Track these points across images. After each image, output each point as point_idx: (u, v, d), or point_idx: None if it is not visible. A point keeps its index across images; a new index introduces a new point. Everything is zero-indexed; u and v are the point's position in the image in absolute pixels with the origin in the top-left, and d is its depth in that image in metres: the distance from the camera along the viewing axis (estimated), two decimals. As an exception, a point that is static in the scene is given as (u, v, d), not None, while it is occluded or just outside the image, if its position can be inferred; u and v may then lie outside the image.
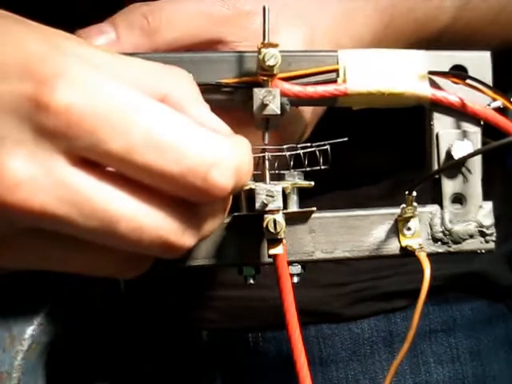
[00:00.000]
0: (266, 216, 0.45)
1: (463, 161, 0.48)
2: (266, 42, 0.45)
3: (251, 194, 0.47)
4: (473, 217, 0.49)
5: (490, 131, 0.49)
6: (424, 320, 0.67)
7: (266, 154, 0.48)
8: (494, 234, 0.49)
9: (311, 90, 0.47)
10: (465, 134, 0.48)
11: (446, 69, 0.48)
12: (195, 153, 0.39)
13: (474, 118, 0.48)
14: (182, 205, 0.40)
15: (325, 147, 0.49)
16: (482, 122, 0.48)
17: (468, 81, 0.47)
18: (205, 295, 0.67)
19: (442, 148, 0.49)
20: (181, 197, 0.40)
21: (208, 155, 0.39)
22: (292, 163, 0.49)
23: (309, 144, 0.49)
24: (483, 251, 0.49)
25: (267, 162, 0.48)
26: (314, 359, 0.66)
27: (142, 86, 0.40)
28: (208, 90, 0.47)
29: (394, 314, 0.67)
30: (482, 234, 0.49)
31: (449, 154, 0.48)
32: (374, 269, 0.66)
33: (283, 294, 0.45)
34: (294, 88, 0.47)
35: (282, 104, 0.46)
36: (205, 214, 0.42)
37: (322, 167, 0.49)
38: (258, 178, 0.48)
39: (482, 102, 0.48)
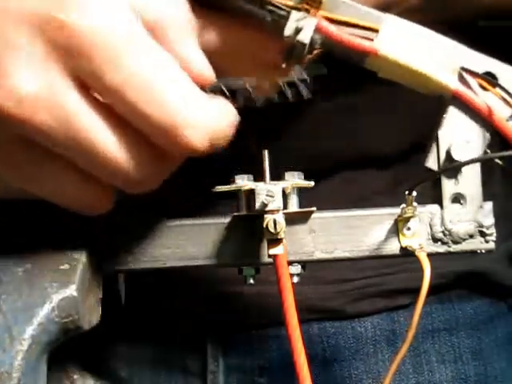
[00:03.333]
0: (265, 216, 0.45)
1: (462, 166, 0.48)
2: None
3: (251, 194, 0.47)
4: (473, 217, 0.49)
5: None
6: (427, 319, 0.67)
7: (266, 151, 0.48)
8: (494, 234, 0.49)
9: (346, 36, 0.46)
10: (471, 137, 0.48)
11: (479, 71, 0.48)
12: (177, 108, 0.41)
13: (486, 124, 0.48)
14: (156, 151, 0.43)
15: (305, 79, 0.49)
16: (492, 131, 0.48)
17: (497, 89, 0.47)
18: (207, 293, 0.66)
19: (442, 147, 0.48)
20: (157, 144, 0.43)
21: (189, 113, 0.42)
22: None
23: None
24: (483, 251, 0.49)
25: (267, 162, 0.48)
26: (317, 358, 0.65)
27: (137, 7, 0.42)
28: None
29: (397, 312, 0.67)
30: (482, 234, 0.49)
31: (449, 154, 0.48)
32: (378, 266, 0.66)
33: (283, 294, 0.45)
34: (331, 27, 0.46)
35: (313, 39, 0.46)
36: (172, 164, 0.45)
37: (306, 97, 0.48)
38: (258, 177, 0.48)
39: (503, 113, 0.47)
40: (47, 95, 0.41)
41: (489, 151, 0.48)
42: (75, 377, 0.50)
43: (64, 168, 0.44)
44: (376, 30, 0.47)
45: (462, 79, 0.47)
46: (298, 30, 0.45)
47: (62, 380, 0.49)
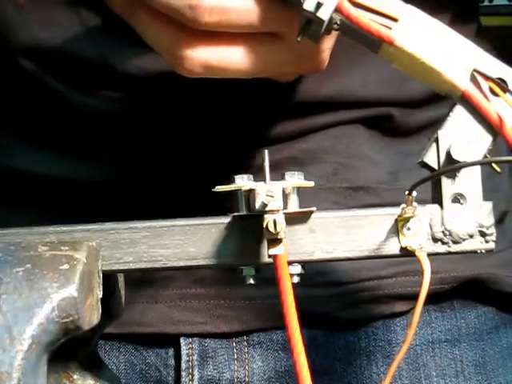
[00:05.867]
0: (266, 216, 0.45)
1: (463, 167, 0.48)
2: None
3: (251, 194, 0.47)
4: (473, 217, 0.49)
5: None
6: (426, 329, 0.63)
7: (266, 151, 0.48)
8: (494, 234, 0.49)
9: (365, 20, 0.46)
10: (474, 139, 0.48)
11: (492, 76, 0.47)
12: None
13: (490, 128, 0.48)
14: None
15: None
16: (496, 135, 0.48)
17: (507, 94, 0.47)
18: (180, 294, 0.63)
19: (442, 146, 0.48)
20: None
21: None
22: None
23: None
24: (483, 251, 0.49)
25: (267, 161, 0.48)
26: None
27: None
28: None
29: (393, 320, 0.63)
30: (482, 234, 0.49)
31: (449, 154, 0.48)
32: (374, 267, 0.62)
33: (283, 294, 0.45)
34: (351, 9, 0.46)
35: (332, 19, 0.45)
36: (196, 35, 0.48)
37: None
38: (258, 177, 0.48)
39: (509, 120, 0.47)
40: None
41: (488, 155, 0.48)
42: (75, 377, 0.50)
43: None
44: (395, 20, 0.47)
45: (474, 81, 0.47)
46: (318, 6, 0.45)
47: (61, 380, 0.49)
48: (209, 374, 0.63)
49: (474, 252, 0.49)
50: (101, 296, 0.48)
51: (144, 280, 0.62)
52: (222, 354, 0.63)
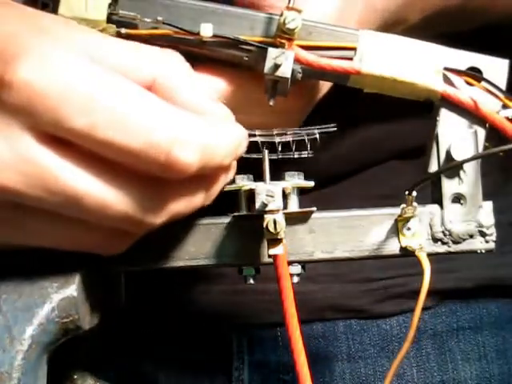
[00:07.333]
0: (266, 216, 0.45)
1: (462, 164, 0.48)
2: (291, 5, 0.45)
3: (251, 194, 0.47)
4: (473, 217, 0.49)
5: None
6: (452, 317, 0.67)
7: (266, 151, 0.48)
8: (494, 234, 0.49)
9: (325, 61, 0.47)
10: (468, 135, 0.48)
11: (463, 68, 0.48)
12: (158, 128, 0.40)
13: (480, 120, 0.48)
14: (147, 182, 0.42)
15: (314, 136, 0.49)
16: (487, 125, 0.48)
17: (483, 83, 0.47)
18: (230, 288, 0.66)
19: (442, 147, 0.48)
20: (146, 173, 0.41)
21: (172, 131, 0.40)
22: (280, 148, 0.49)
23: (298, 131, 0.49)
24: (483, 251, 0.49)
25: (267, 162, 0.48)
26: (342, 355, 0.65)
27: (127, 70, 0.42)
28: (225, 44, 0.47)
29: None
30: (482, 234, 0.49)
31: (449, 154, 0.48)
32: (403, 265, 0.65)
33: (283, 294, 0.45)
34: (309, 56, 0.47)
35: (293, 70, 0.46)
36: (172, 192, 0.43)
37: (310, 154, 0.49)
38: (258, 177, 0.48)
39: (492, 107, 0.47)
40: (9, 152, 0.40)
41: (487, 144, 0.48)
42: (75, 377, 0.50)
43: (61, 222, 0.42)
44: (353, 48, 0.48)
45: (447, 79, 0.48)
46: (277, 66, 0.46)
47: (62, 380, 0.49)
48: (257, 358, 0.66)
49: (474, 252, 0.49)
50: (101, 296, 0.48)
51: (198, 276, 0.66)
52: (268, 342, 0.66)
